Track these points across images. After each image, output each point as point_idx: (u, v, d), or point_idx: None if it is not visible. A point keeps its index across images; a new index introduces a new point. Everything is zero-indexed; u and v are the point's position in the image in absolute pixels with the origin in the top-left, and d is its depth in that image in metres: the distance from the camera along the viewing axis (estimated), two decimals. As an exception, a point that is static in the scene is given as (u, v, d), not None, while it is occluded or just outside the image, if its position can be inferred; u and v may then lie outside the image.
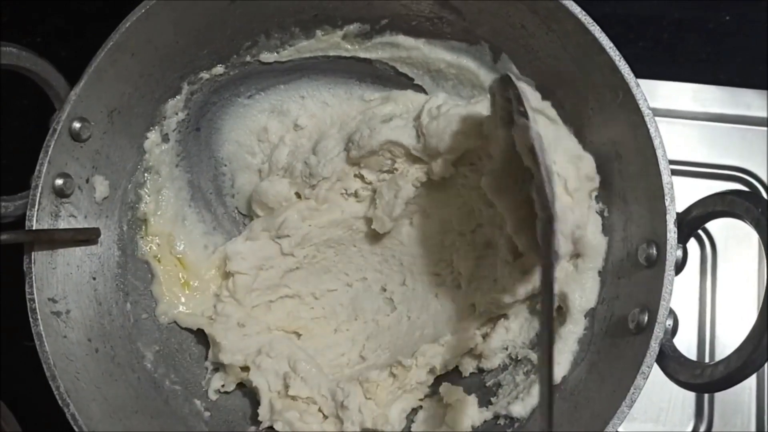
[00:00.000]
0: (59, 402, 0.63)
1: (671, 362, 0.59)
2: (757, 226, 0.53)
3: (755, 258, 0.85)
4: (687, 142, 0.88)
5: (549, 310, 0.53)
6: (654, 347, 0.59)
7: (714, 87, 0.89)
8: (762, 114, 0.88)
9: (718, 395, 0.83)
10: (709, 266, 0.87)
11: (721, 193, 0.58)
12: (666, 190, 0.61)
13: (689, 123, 0.89)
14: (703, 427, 0.83)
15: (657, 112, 0.85)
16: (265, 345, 0.76)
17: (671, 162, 0.61)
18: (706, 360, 0.83)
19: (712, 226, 0.85)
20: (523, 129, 0.60)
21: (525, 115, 0.60)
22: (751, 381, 0.83)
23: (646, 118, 0.62)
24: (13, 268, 0.67)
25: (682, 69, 0.91)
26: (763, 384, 0.83)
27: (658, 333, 0.59)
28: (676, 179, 0.61)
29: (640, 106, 0.63)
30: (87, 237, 0.71)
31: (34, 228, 0.67)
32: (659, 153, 0.62)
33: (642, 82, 0.63)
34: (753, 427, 0.82)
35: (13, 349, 0.82)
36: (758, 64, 0.91)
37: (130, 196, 0.77)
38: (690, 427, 0.82)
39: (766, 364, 0.53)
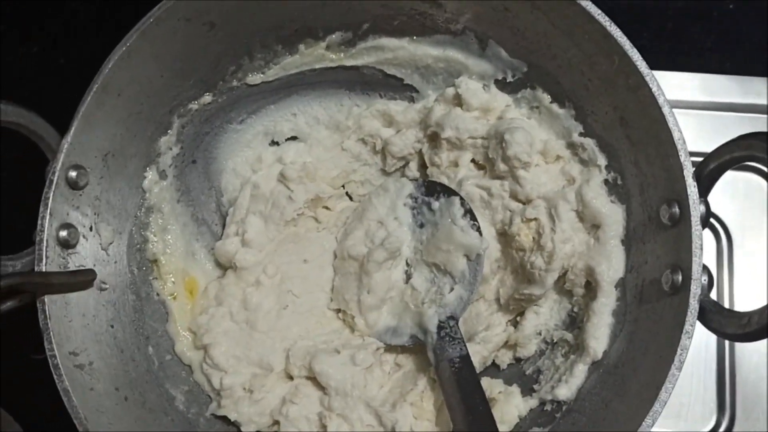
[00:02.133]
0: (96, 456, 0.61)
1: (715, 316, 0.58)
2: (780, 164, 0.53)
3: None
4: (697, 133, 0.87)
5: None
6: (694, 304, 0.57)
7: (721, 76, 0.89)
8: None
9: (739, 387, 0.82)
10: (725, 258, 0.86)
11: (736, 138, 0.58)
12: (679, 146, 0.60)
13: (698, 113, 0.88)
14: (725, 422, 0.82)
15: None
16: (288, 393, 0.74)
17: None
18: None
19: (727, 216, 0.85)
20: None
21: None
22: (772, 373, 0.82)
23: (647, 78, 0.62)
24: None
25: (687, 59, 0.91)
26: (785, 377, 0.82)
27: (695, 290, 0.58)
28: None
29: (639, 66, 0.62)
30: (83, 279, 0.69)
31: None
32: (665, 110, 0.61)
33: (648, 72, 0.63)
34: None
35: (21, 362, 0.81)
36: (764, 51, 0.91)
37: (136, 238, 0.76)
38: (712, 422, 0.82)
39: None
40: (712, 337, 0.83)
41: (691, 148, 0.58)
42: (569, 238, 0.70)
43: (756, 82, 0.88)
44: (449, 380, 0.67)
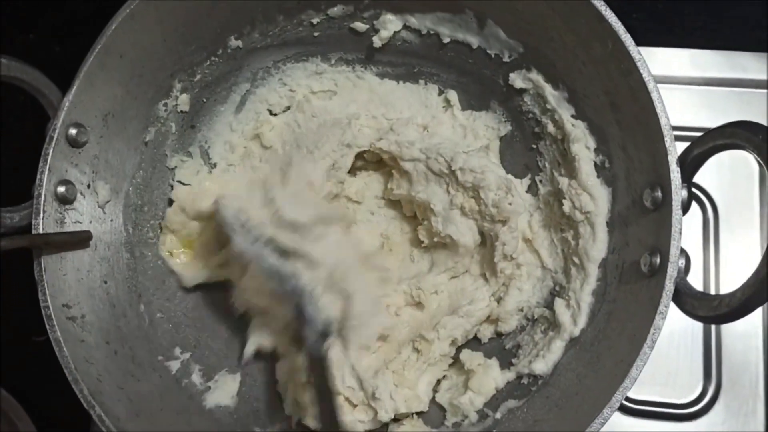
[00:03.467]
0: (84, 405, 0.63)
1: (688, 299, 0.59)
2: (759, 154, 0.54)
3: (756, 221, 0.86)
4: (686, 108, 0.88)
5: None
6: (669, 286, 0.59)
7: (711, 51, 0.90)
8: (759, 76, 0.88)
9: (725, 355, 0.83)
10: (711, 230, 0.87)
11: (720, 126, 0.59)
12: (665, 132, 0.61)
13: (687, 88, 0.89)
14: (711, 389, 0.83)
15: (655, 79, 0.86)
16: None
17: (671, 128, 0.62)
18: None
19: (713, 190, 0.86)
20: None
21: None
22: (758, 340, 0.83)
23: (638, 64, 0.63)
24: (18, 270, 0.68)
25: (678, 39, 0.91)
26: (771, 342, 0.84)
27: (672, 272, 0.59)
28: (676, 145, 0.61)
29: (631, 52, 0.63)
30: (79, 240, 0.70)
31: (41, 236, 0.67)
32: (654, 96, 0.62)
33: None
34: (761, 385, 0.82)
35: (23, 345, 0.82)
36: (754, 29, 0.91)
37: (133, 198, 0.77)
38: (699, 390, 0.83)
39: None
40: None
41: (678, 122, 0.60)
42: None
43: (743, 57, 0.89)
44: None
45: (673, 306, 0.60)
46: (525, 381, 0.71)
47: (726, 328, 0.83)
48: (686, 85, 0.89)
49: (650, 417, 0.82)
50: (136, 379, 0.70)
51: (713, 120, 0.85)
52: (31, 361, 0.80)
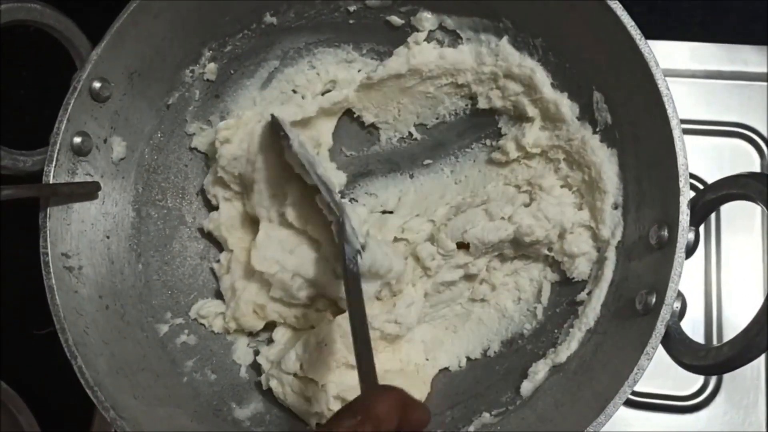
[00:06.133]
0: (67, 354, 0.64)
1: (676, 344, 0.58)
2: (768, 207, 0.53)
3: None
4: (686, 101, 0.87)
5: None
6: (660, 328, 0.58)
7: (711, 44, 0.89)
8: (760, 69, 0.88)
9: None
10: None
11: (735, 175, 0.57)
12: (681, 172, 0.60)
13: (688, 81, 0.89)
14: (713, 381, 0.82)
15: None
16: None
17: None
18: (714, 341, 0.82)
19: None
20: (288, 150, 0.68)
21: (286, 137, 0.68)
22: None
23: (664, 98, 0.62)
24: (20, 259, 0.69)
25: (678, 33, 0.90)
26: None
27: (665, 315, 0.58)
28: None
29: (659, 85, 0.62)
30: (87, 191, 0.71)
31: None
32: (676, 134, 0.61)
33: (638, 42, 0.63)
34: (762, 377, 0.81)
35: (24, 338, 0.83)
36: (755, 22, 0.90)
37: (147, 159, 0.78)
38: (700, 381, 0.82)
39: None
40: (700, 296, 0.84)
41: (680, 115, 0.61)
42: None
43: (745, 50, 0.88)
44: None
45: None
46: (504, 399, 0.71)
47: (727, 319, 0.83)
48: (687, 78, 0.89)
49: (651, 409, 0.82)
50: (122, 336, 0.71)
51: (713, 113, 0.88)
52: (32, 354, 0.81)
